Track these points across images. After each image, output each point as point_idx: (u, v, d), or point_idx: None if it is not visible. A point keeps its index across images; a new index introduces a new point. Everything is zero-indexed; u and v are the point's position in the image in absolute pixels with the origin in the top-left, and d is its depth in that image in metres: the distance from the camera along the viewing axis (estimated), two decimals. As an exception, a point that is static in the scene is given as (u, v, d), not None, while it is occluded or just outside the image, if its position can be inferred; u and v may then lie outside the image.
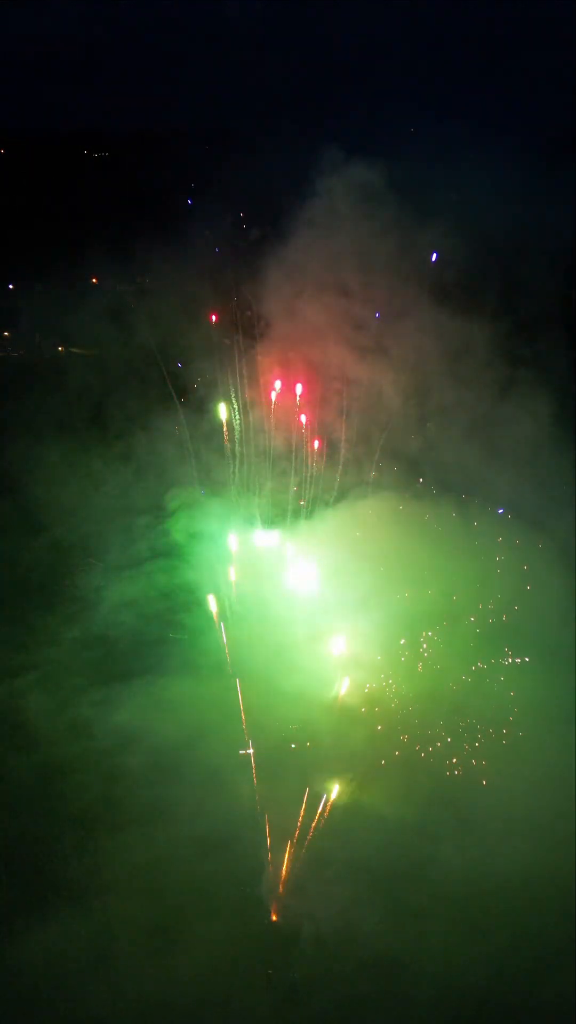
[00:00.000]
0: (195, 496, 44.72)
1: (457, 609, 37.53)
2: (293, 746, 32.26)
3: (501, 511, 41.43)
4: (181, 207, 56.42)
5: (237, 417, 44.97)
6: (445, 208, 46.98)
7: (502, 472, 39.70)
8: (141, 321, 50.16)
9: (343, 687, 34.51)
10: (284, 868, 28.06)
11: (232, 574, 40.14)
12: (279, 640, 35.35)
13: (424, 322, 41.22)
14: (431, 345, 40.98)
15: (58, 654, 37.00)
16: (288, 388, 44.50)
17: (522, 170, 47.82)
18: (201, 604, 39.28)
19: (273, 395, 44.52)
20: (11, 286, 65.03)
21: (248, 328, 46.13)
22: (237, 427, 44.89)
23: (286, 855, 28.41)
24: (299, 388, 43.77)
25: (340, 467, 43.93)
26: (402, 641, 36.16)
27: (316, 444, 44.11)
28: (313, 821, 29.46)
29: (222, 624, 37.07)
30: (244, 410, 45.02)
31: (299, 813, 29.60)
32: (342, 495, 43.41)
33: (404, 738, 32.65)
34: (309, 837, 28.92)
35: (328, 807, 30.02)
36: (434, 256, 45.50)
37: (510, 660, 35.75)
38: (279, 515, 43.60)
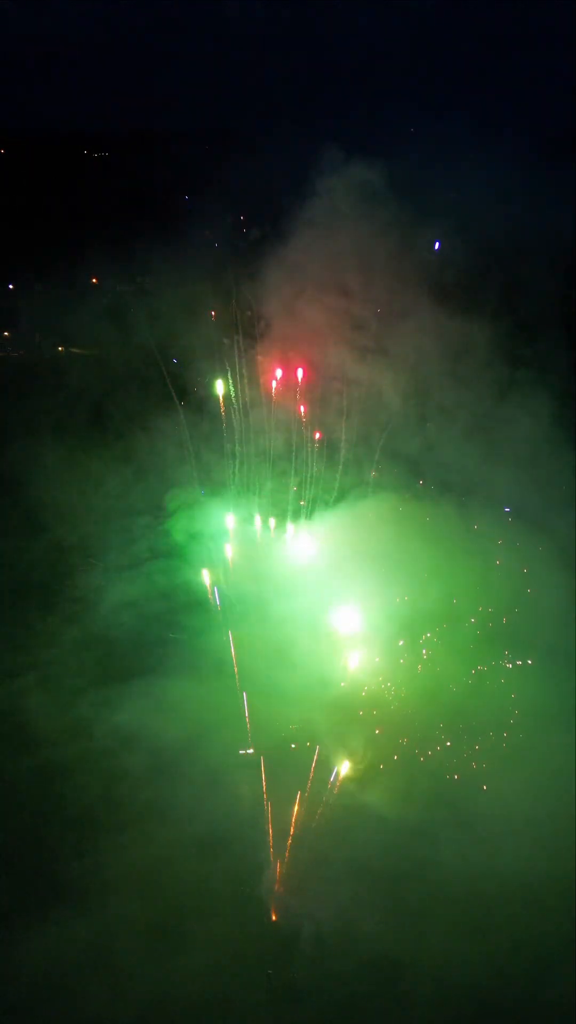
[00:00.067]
0: (195, 496, 44.74)
1: (458, 611, 37.50)
2: (293, 746, 32.26)
3: (508, 509, 41.34)
4: (181, 207, 56.45)
5: (237, 417, 44.99)
6: (445, 208, 47.01)
7: (502, 473, 39.69)
8: (141, 321, 50.18)
9: (344, 687, 34.50)
10: (284, 868, 28.05)
11: (232, 574, 40.16)
12: (279, 640, 35.33)
13: (424, 322, 41.23)
14: (431, 345, 41.00)
15: (58, 654, 36.98)
16: (288, 386, 44.56)
17: (522, 170, 47.84)
18: (201, 604, 39.32)
19: (273, 386, 44.60)
20: (11, 286, 65.12)
21: (248, 328, 46.18)
22: (237, 427, 44.92)
23: (286, 855, 28.41)
24: (299, 373, 43.77)
25: (340, 467, 43.96)
26: (400, 642, 36.13)
27: (317, 436, 44.12)
28: (313, 821, 29.45)
29: (225, 625, 37.05)
30: (244, 410, 45.04)
31: (299, 813, 29.60)
32: (342, 495, 43.43)
33: (404, 741, 32.63)
34: (309, 837, 28.92)
35: (328, 807, 30.01)
36: (437, 245, 45.53)
37: (510, 662, 35.73)
38: (279, 515, 43.61)
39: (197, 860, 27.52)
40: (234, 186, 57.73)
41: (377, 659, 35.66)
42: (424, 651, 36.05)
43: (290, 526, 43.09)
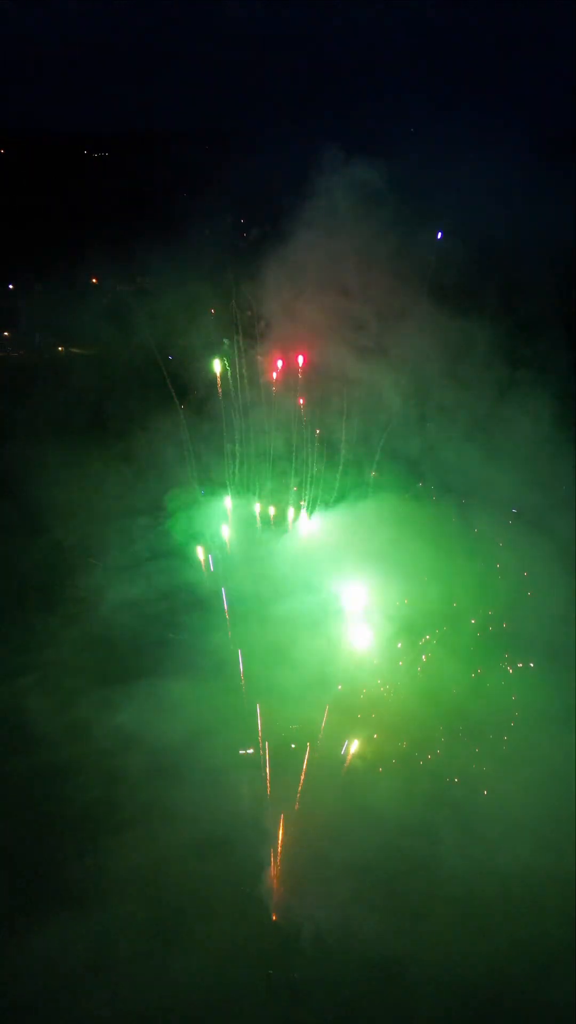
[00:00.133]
0: (195, 496, 44.73)
1: (458, 612, 37.49)
2: (293, 746, 32.28)
3: (515, 510, 41.25)
4: (181, 207, 56.40)
5: (237, 416, 44.99)
6: (445, 208, 47.00)
7: (503, 473, 39.65)
8: (141, 321, 50.18)
9: (343, 688, 34.50)
10: (284, 868, 28.06)
11: (232, 575, 40.16)
12: (279, 641, 35.33)
13: (424, 322, 41.20)
14: (431, 345, 40.97)
15: (58, 655, 36.99)
16: (288, 386, 44.58)
17: (522, 170, 47.78)
18: (201, 605, 39.29)
19: (273, 386, 44.62)
20: (11, 286, 65.17)
21: (248, 328, 46.18)
22: (237, 427, 44.91)
23: (287, 855, 28.41)
24: (300, 359, 43.73)
25: (340, 468, 43.94)
26: (399, 645, 36.12)
27: (316, 433, 44.15)
28: (313, 821, 29.45)
29: (228, 623, 37.07)
30: (244, 410, 45.04)
31: (300, 813, 29.61)
32: (342, 496, 43.42)
33: (404, 742, 32.64)
34: (310, 837, 28.92)
35: (328, 807, 30.01)
36: (440, 234, 45.46)
37: (510, 663, 35.72)
38: (279, 516, 43.61)
39: (198, 860, 27.58)
40: (234, 186, 57.69)
41: (377, 660, 35.65)
42: (424, 654, 36.02)
43: (290, 527, 43.09)
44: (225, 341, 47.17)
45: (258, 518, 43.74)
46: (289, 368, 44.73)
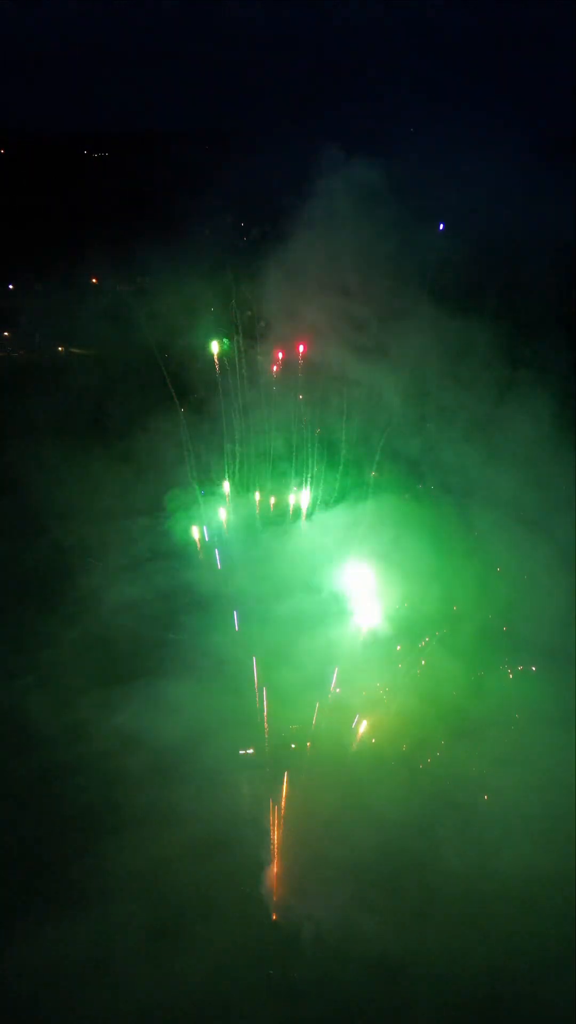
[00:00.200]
0: (195, 496, 44.72)
1: (458, 613, 37.49)
2: (293, 746, 32.28)
3: (515, 511, 41.10)
4: (181, 207, 56.43)
5: (237, 416, 44.99)
6: (445, 208, 47.04)
7: (503, 474, 39.61)
8: (141, 321, 50.17)
9: (344, 689, 34.47)
10: (285, 868, 28.06)
11: (231, 575, 40.15)
12: (278, 641, 35.32)
13: (424, 322, 41.17)
14: (431, 345, 40.96)
15: (58, 655, 36.99)
16: (288, 386, 44.61)
17: (522, 170, 47.79)
18: (201, 605, 39.26)
19: (272, 386, 44.67)
20: (11, 286, 65.23)
21: (248, 328, 46.21)
22: (237, 427, 44.92)
23: (287, 856, 28.42)
24: (301, 349, 43.73)
25: (340, 468, 43.95)
26: (398, 647, 36.11)
27: (317, 433, 44.16)
28: (313, 821, 29.44)
29: (236, 620, 37.06)
30: (244, 410, 45.03)
31: (300, 814, 29.61)
32: (342, 496, 43.40)
33: (404, 742, 32.65)
34: (310, 837, 28.92)
35: (328, 807, 29.99)
36: (441, 226, 45.46)
37: (510, 664, 35.72)
38: (279, 516, 43.61)
39: (198, 861, 27.57)
40: (234, 186, 57.73)
41: (377, 661, 35.62)
42: (424, 655, 36.00)
43: (290, 527, 43.07)
44: (225, 341, 47.20)
45: (258, 518, 43.73)
46: (289, 367, 44.74)
